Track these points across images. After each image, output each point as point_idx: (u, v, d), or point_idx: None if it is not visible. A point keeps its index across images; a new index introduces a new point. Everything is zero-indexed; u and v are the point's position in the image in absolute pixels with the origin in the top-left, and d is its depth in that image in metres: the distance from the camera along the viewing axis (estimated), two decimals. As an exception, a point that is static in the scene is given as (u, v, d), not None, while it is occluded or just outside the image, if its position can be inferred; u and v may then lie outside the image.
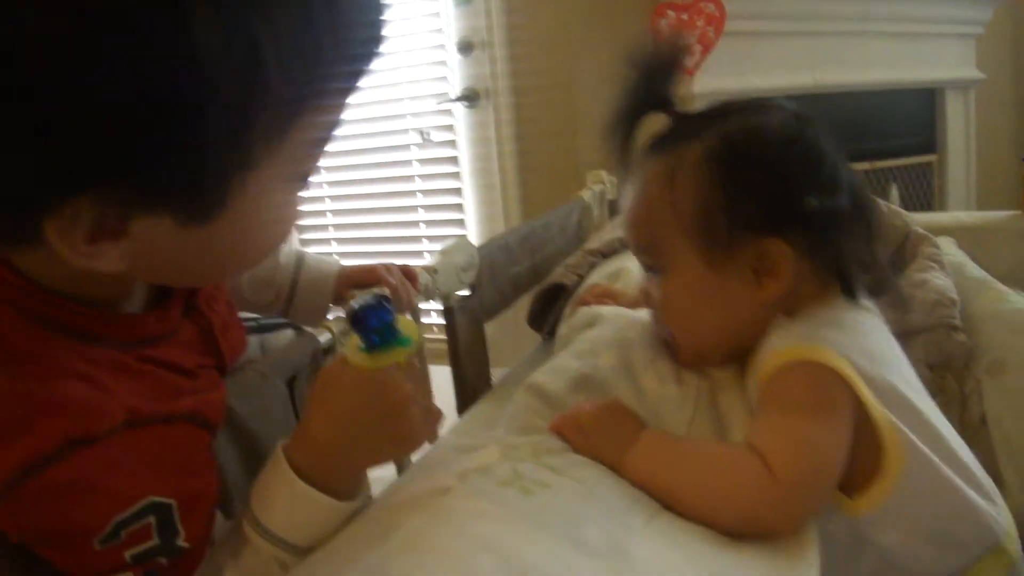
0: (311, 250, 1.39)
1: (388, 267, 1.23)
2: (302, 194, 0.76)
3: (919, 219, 1.61)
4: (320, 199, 3.92)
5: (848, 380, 0.81)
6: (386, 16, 0.66)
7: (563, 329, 1.23)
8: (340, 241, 3.99)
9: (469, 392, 1.44)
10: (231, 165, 0.62)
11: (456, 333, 1.42)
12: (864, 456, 0.82)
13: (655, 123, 0.98)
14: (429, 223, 3.73)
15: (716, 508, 0.78)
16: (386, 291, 1.01)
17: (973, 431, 1.27)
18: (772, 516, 0.79)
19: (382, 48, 0.67)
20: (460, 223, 3.59)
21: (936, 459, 0.83)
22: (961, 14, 3.39)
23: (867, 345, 0.88)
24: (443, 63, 3.46)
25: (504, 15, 3.26)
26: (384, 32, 0.66)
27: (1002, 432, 1.29)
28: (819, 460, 0.80)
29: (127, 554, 0.71)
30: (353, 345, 0.81)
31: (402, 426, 0.81)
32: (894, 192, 2.88)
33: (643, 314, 1.05)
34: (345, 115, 0.71)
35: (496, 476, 0.78)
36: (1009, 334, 1.38)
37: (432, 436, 0.88)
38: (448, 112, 3.50)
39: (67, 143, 0.54)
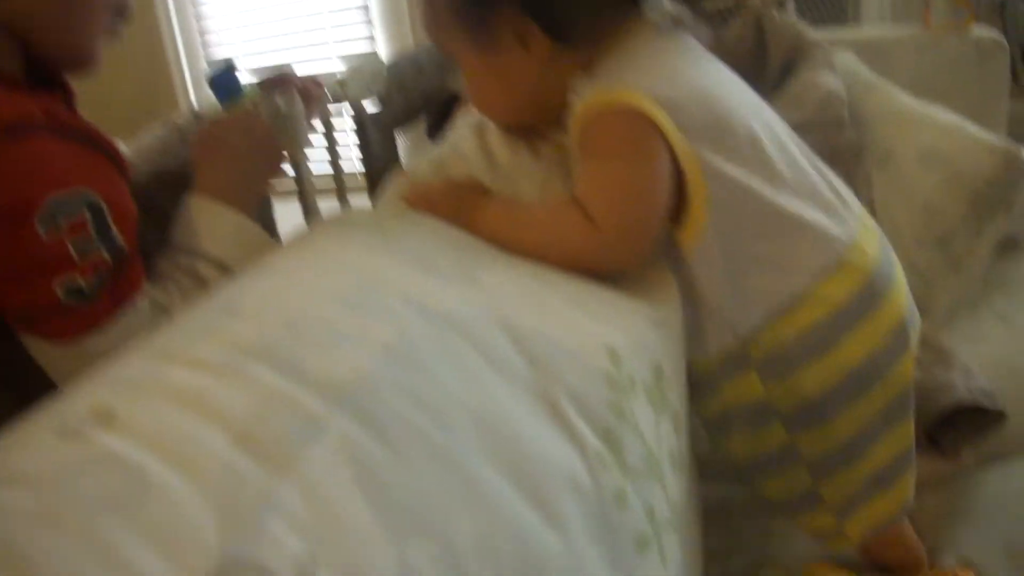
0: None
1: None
2: None
3: (819, 35, 1.65)
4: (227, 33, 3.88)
5: (650, 115, 0.83)
6: None
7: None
8: (249, 55, 3.88)
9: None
10: None
11: (369, 144, 1.45)
12: (680, 188, 0.85)
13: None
14: (338, 42, 3.63)
15: (549, 261, 0.83)
16: (232, 60, 1.16)
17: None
18: (600, 259, 0.84)
19: None
20: (370, 42, 3.51)
21: (754, 183, 0.85)
22: None
23: (671, 67, 0.90)
24: None
25: None
26: None
27: (889, 218, 1.37)
28: (636, 201, 0.84)
29: (69, 243, 0.81)
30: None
31: (267, 144, 1.08)
32: (790, 5, 2.89)
33: None
34: None
35: (358, 222, 0.83)
36: (896, 127, 1.45)
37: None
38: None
39: None
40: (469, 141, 0.99)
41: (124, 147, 1.24)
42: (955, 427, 1.14)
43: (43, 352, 0.87)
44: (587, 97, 0.86)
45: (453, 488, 0.53)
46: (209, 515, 0.43)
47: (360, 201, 1.44)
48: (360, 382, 0.55)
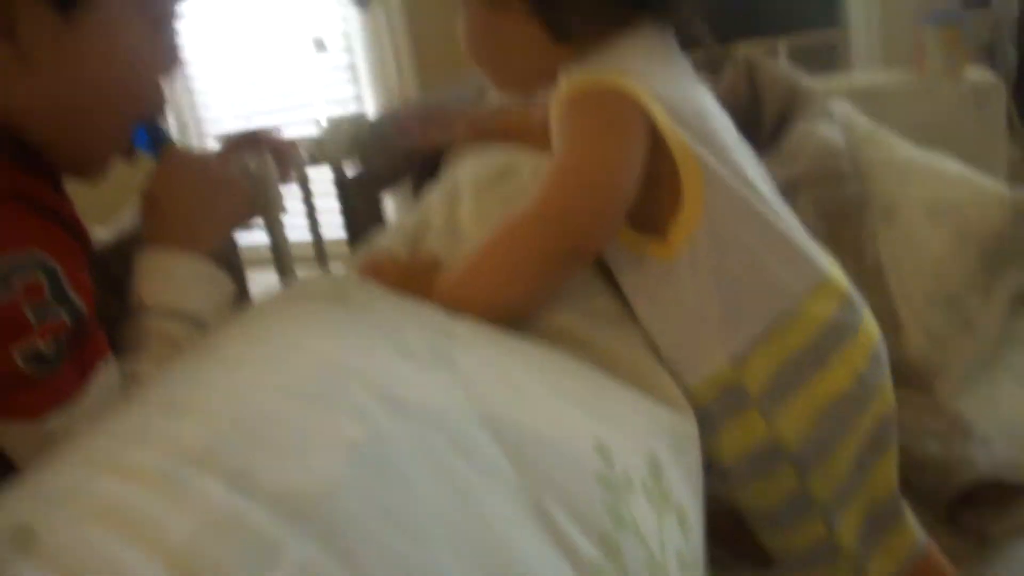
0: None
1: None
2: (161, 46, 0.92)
3: (815, 85, 1.61)
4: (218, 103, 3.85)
5: (639, 101, 0.81)
6: None
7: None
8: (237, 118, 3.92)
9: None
10: None
11: (353, 208, 1.40)
12: (668, 190, 0.82)
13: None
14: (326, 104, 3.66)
15: (511, 273, 0.82)
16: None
17: (870, 279, 1.29)
18: (551, 247, 0.82)
19: None
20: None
21: (749, 194, 0.84)
22: None
23: (670, 73, 0.88)
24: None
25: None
26: None
27: (899, 276, 1.32)
28: (586, 178, 0.82)
29: (25, 306, 0.76)
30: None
31: (222, 182, 1.01)
32: (782, 54, 2.86)
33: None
34: None
35: (317, 292, 0.77)
36: (900, 179, 1.40)
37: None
38: (344, 20, 3.45)
39: None
40: (439, 214, 0.96)
41: (102, 231, 1.20)
42: (977, 504, 1.07)
43: (2, 432, 0.79)
44: (575, 78, 0.85)
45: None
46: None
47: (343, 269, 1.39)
48: (322, 495, 0.48)
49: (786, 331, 0.83)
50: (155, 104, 0.96)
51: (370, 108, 3.46)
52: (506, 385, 0.66)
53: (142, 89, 0.93)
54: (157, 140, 0.99)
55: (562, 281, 0.86)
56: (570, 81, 0.85)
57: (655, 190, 0.82)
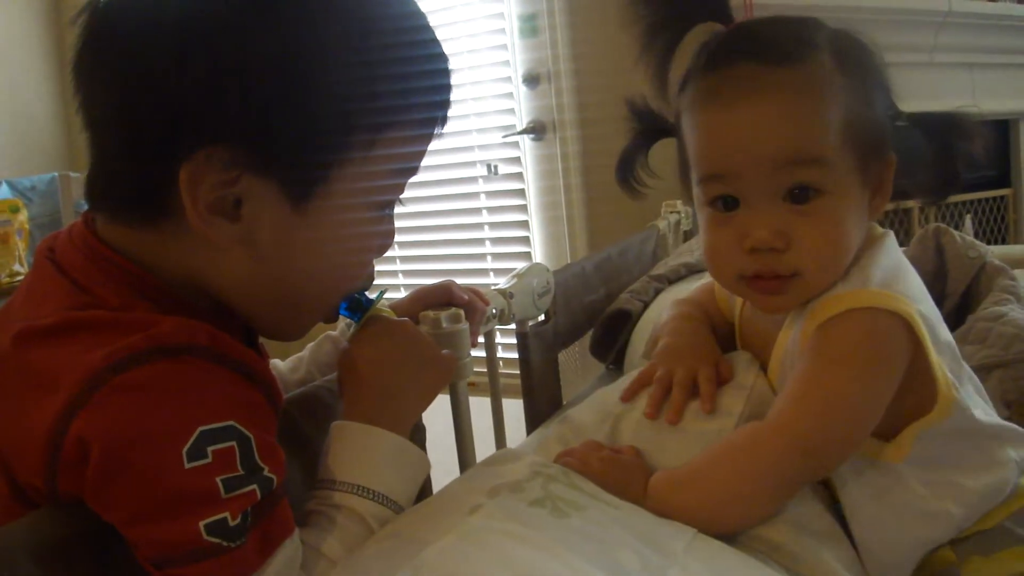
0: (379, 282, 1.45)
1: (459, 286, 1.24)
2: (381, 230, 0.92)
3: (995, 251, 1.59)
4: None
5: (916, 330, 0.79)
6: (452, 85, 0.90)
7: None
8: (407, 273, 4.01)
9: (541, 423, 1.42)
10: (330, 148, 0.80)
11: (530, 362, 1.41)
12: (913, 400, 0.82)
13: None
14: (496, 256, 3.74)
15: (742, 488, 0.81)
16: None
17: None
18: (805, 473, 0.82)
19: (447, 110, 0.89)
20: (527, 256, 3.60)
21: (976, 413, 0.83)
22: (1031, 44, 3.33)
23: (913, 274, 0.87)
24: (510, 95, 3.49)
25: (569, 47, 3.28)
26: (449, 97, 0.90)
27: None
28: (849, 422, 0.81)
29: (219, 479, 0.73)
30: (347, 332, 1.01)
31: (427, 352, 0.99)
32: (968, 223, 2.83)
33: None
34: (423, 158, 0.91)
35: (527, 494, 0.78)
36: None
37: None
38: (515, 144, 3.52)
39: (214, 97, 0.74)
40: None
41: (281, 364, 1.23)
42: None
43: None
44: (842, 291, 0.83)
45: None
46: None
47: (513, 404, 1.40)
48: None
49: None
50: (366, 282, 0.97)
51: (536, 235, 3.51)
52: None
53: (358, 272, 0.93)
54: (359, 304, 0.98)
55: (789, 499, 0.85)
56: (840, 295, 0.83)
57: (901, 401, 0.82)
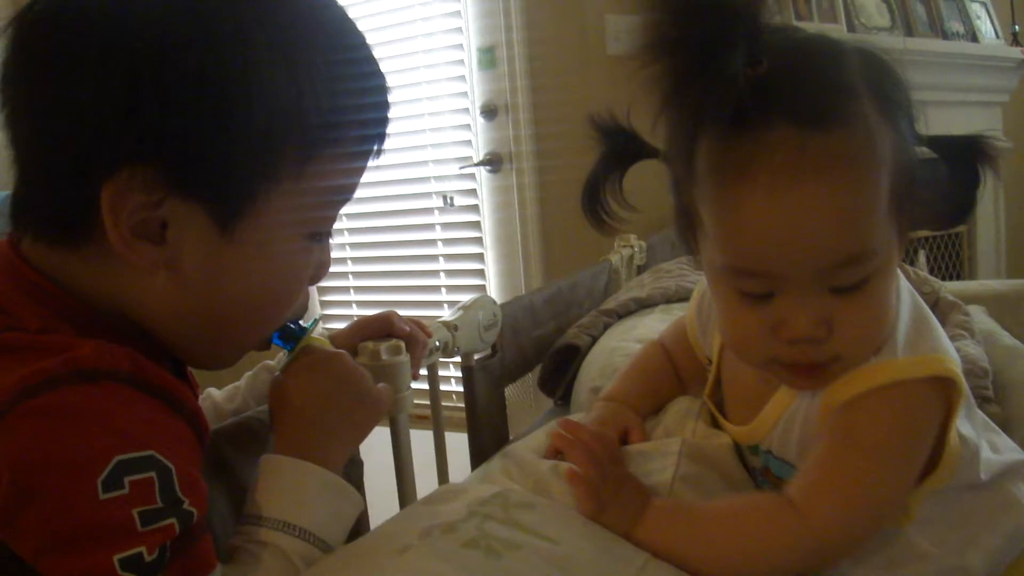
0: (333, 311, 1.42)
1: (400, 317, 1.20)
2: (315, 258, 0.88)
3: (949, 287, 1.58)
4: (342, 260, 3.92)
5: (956, 390, 0.75)
6: (389, 105, 0.86)
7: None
8: (360, 304, 3.98)
9: (486, 459, 1.38)
10: (258, 169, 0.76)
11: (475, 396, 1.37)
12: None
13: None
14: (450, 288, 3.72)
15: (746, 554, 0.77)
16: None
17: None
18: (811, 565, 0.77)
19: (384, 132, 0.86)
20: (482, 288, 3.57)
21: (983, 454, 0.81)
22: (987, 82, 3.37)
23: (940, 329, 0.81)
24: (467, 127, 3.48)
25: (528, 79, 3.27)
26: (386, 118, 0.86)
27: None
28: (875, 519, 0.77)
29: (135, 512, 0.69)
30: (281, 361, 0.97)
31: (360, 386, 0.95)
32: (922, 258, 2.84)
33: None
34: (358, 185, 0.87)
35: (460, 535, 0.75)
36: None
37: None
38: (471, 176, 3.50)
39: (133, 114, 0.70)
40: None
41: (216, 393, 1.18)
42: None
43: None
44: (869, 364, 0.76)
45: None
46: None
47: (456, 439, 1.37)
48: None
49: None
50: (299, 311, 0.93)
51: (491, 267, 3.49)
52: None
53: (290, 300, 0.89)
54: (292, 333, 0.95)
55: None
56: (876, 366, 0.76)
57: None
